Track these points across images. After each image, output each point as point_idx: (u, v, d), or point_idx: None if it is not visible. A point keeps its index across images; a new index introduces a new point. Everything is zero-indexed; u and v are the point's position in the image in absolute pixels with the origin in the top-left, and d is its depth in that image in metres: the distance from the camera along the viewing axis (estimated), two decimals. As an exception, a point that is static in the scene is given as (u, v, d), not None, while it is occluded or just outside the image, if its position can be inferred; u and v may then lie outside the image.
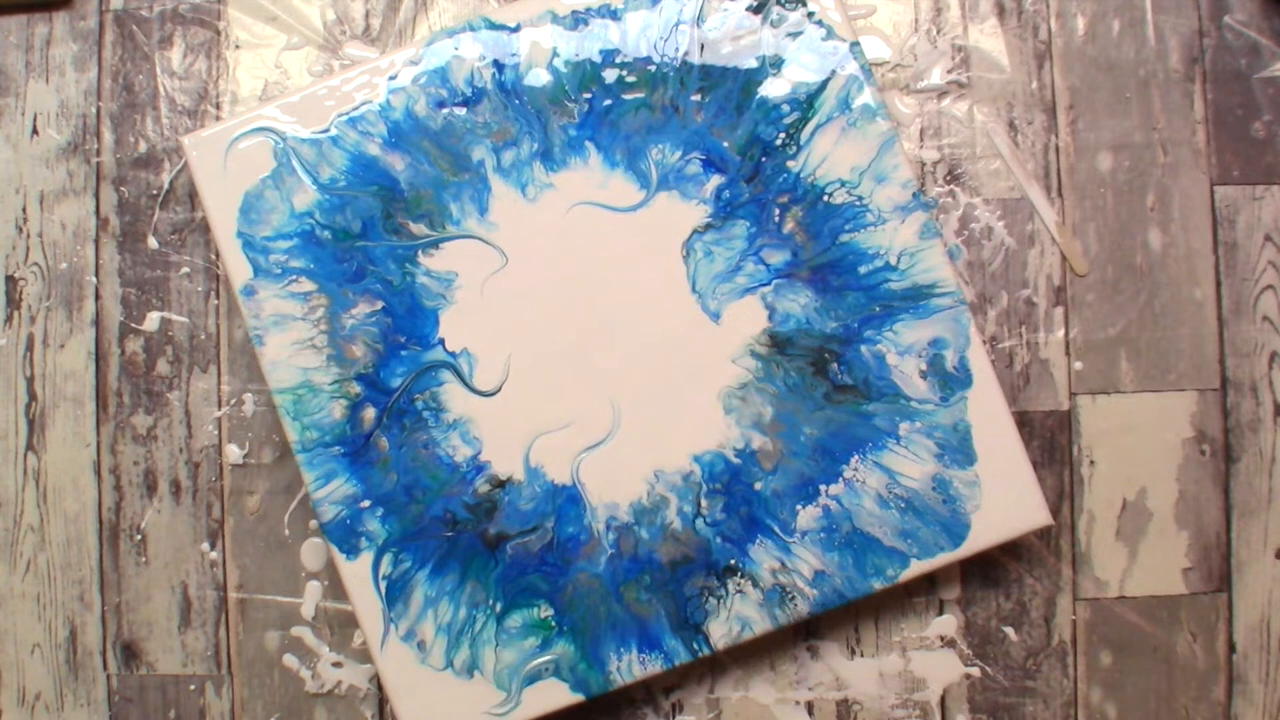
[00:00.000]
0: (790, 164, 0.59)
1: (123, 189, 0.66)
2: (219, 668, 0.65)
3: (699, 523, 0.59)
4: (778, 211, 0.59)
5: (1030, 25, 0.66)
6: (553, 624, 0.59)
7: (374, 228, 0.60)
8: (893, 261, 0.59)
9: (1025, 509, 0.58)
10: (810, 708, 0.63)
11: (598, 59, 0.60)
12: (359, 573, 0.59)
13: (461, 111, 0.60)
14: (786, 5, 0.59)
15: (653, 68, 0.59)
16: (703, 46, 0.59)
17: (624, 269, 0.59)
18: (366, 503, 0.59)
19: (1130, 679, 0.63)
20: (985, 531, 0.58)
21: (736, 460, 0.59)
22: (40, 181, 0.66)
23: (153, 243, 0.66)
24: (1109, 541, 0.64)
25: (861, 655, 0.63)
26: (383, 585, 0.59)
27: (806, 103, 0.59)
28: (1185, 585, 0.64)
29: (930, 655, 0.63)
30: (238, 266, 0.59)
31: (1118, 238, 0.65)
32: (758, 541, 0.59)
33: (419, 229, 0.59)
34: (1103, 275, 0.65)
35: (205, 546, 0.65)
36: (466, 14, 0.66)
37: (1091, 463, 0.64)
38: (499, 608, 0.59)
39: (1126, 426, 0.64)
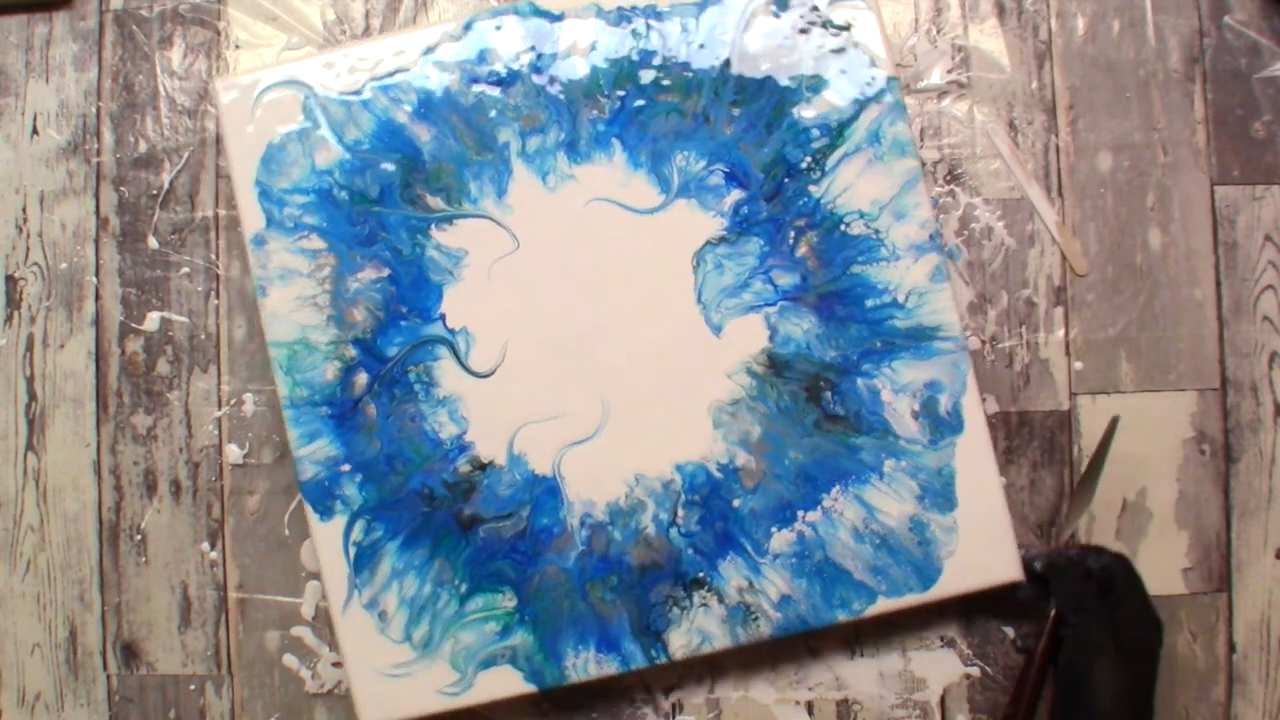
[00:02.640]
0: (812, 188, 0.59)
1: (123, 189, 0.66)
2: (219, 668, 0.65)
3: (673, 531, 0.59)
4: (793, 234, 0.59)
5: (1030, 25, 0.66)
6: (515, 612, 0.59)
7: (391, 195, 0.60)
8: (900, 299, 0.58)
9: (999, 562, 0.58)
10: (810, 708, 0.63)
11: (636, 58, 0.59)
12: (330, 535, 0.59)
13: (494, 92, 0.60)
14: (831, 29, 0.59)
15: (690, 74, 0.59)
16: (743, 59, 0.59)
17: (633, 270, 0.59)
18: (347, 467, 0.59)
19: (1130, 679, 0.63)
20: (956, 578, 0.58)
21: (719, 474, 0.59)
22: (40, 181, 0.66)
23: (153, 243, 0.66)
24: (1109, 541, 0.64)
25: (861, 655, 0.63)
26: (352, 551, 0.59)
27: (837, 130, 0.59)
28: (1185, 585, 0.63)
29: (930, 655, 0.63)
30: (251, 215, 0.59)
31: (1118, 238, 0.65)
32: (729, 558, 0.59)
33: (435, 202, 0.60)
34: (1103, 275, 0.65)
35: (205, 546, 0.65)
36: (466, 13, 0.66)
37: (1091, 463, 0.64)
38: (464, 589, 0.59)
39: (1126, 426, 0.64)
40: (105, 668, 0.65)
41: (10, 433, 0.66)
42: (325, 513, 0.59)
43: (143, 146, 0.66)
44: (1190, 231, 0.65)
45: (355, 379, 0.59)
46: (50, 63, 0.67)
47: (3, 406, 0.66)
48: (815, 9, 0.59)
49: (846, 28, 0.59)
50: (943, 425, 0.58)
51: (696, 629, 0.58)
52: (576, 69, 0.60)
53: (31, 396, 0.66)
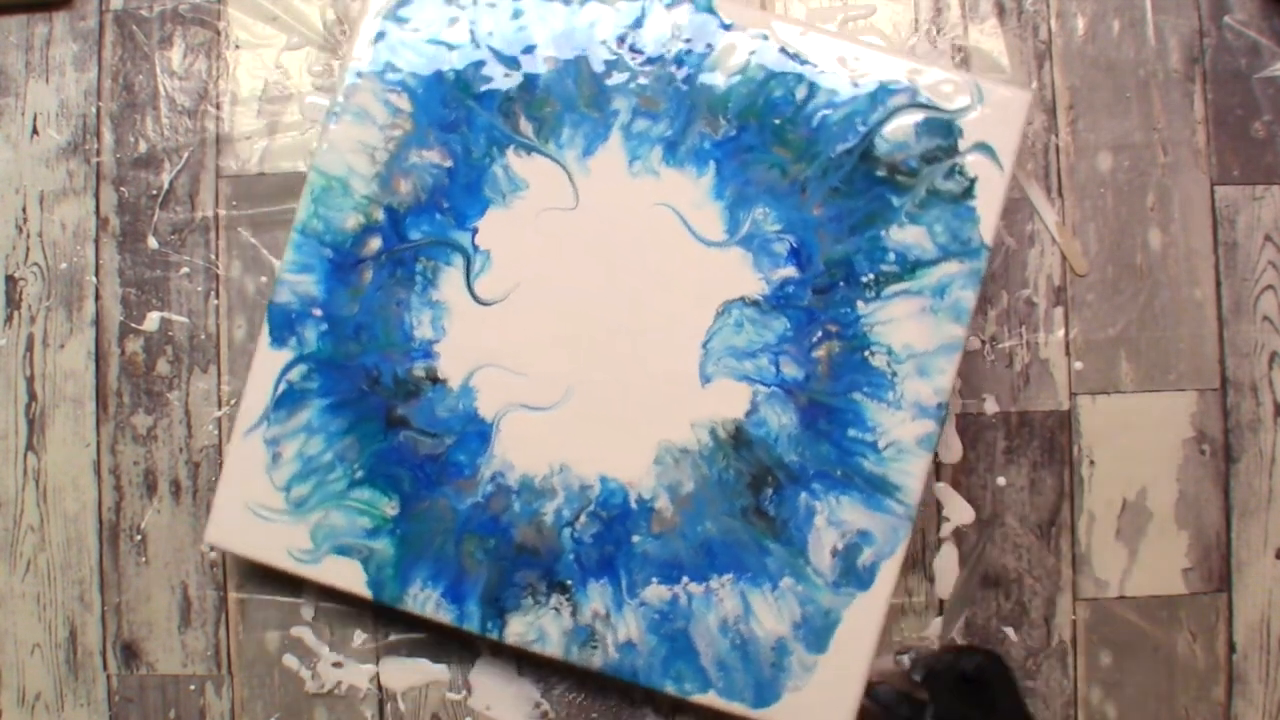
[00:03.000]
0: (860, 304, 0.58)
1: (123, 189, 0.66)
2: (219, 668, 0.65)
3: (566, 531, 0.59)
4: (820, 333, 0.58)
5: (1030, 25, 0.66)
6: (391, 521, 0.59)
7: (491, 100, 0.60)
8: (880, 445, 0.58)
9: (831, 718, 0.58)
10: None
11: (775, 100, 0.59)
12: (271, 362, 0.59)
13: (632, 60, 0.59)
14: (958, 174, 0.58)
15: (811, 141, 0.59)
16: (865, 155, 0.58)
17: (663, 286, 0.59)
18: (319, 312, 0.59)
19: (1130, 679, 0.63)
20: (789, 712, 0.57)
21: (634, 505, 0.59)
22: (40, 181, 0.66)
23: (153, 243, 0.66)
24: (1109, 541, 0.64)
25: (861, 655, 0.63)
26: (281, 386, 0.59)
27: (911, 266, 0.58)
28: (1185, 585, 0.63)
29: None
30: (362, 47, 0.60)
31: (1118, 238, 0.65)
32: (601, 582, 0.58)
33: (526, 128, 0.60)
34: (1103, 275, 0.65)
35: (205, 546, 0.65)
36: None
37: (1091, 463, 0.64)
38: (359, 475, 0.59)
39: (1126, 426, 0.64)
40: (105, 668, 0.65)
41: (10, 433, 0.66)
42: (278, 340, 0.59)
43: (143, 146, 0.66)
44: (1190, 231, 0.65)
45: (369, 241, 0.60)
46: (50, 63, 0.67)
47: (3, 406, 0.66)
48: (955, 145, 0.58)
49: (972, 180, 0.58)
50: (854, 575, 0.57)
51: (538, 626, 0.58)
52: (715, 80, 0.59)
53: (31, 396, 0.66)
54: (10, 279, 0.66)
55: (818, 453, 0.58)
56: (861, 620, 0.57)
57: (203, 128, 0.66)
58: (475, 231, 0.60)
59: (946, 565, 0.63)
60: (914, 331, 0.58)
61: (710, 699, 0.58)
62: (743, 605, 0.58)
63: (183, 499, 0.65)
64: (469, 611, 0.58)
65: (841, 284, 0.59)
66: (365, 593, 0.58)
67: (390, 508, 0.59)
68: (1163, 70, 0.65)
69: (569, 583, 0.58)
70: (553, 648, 0.58)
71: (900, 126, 0.58)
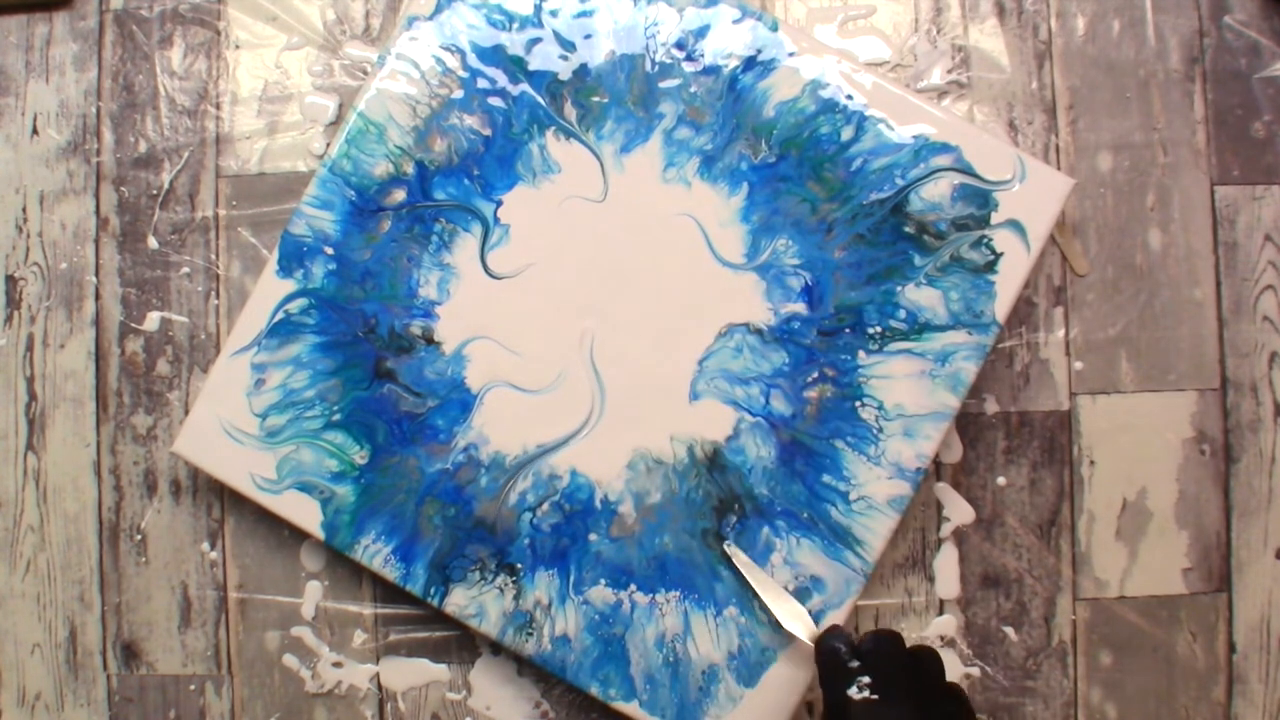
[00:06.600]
0: (862, 354, 0.58)
1: (123, 189, 0.66)
2: (219, 668, 0.65)
3: (527, 516, 0.59)
4: (815, 374, 0.58)
5: (1030, 25, 0.66)
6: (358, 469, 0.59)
7: (541, 79, 0.60)
8: (852, 497, 0.58)
9: None
10: (811, 707, 0.63)
11: (820, 136, 0.59)
12: (273, 290, 0.60)
13: (688, 67, 0.59)
14: (985, 246, 0.58)
15: (847, 184, 0.59)
16: (896, 209, 0.58)
17: (672, 296, 0.59)
18: (330, 250, 0.60)
19: (1130, 679, 0.63)
20: None
21: (599, 505, 0.59)
22: (40, 181, 0.66)
23: (153, 243, 0.66)
24: (1109, 541, 0.64)
25: (861, 655, 0.63)
26: (279, 315, 0.59)
27: (919, 328, 0.58)
28: (1185, 585, 0.64)
29: (930, 655, 0.63)
30: (424, 2, 0.60)
31: (1118, 238, 0.65)
32: (550, 573, 0.58)
33: (570, 113, 0.60)
34: (1103, 275, 0.65)
35: (205, 546, 0.65)
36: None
37: (1091, 463, 0.64)
38: (336, 418, 0.59)
39: (1126, 426, 0.64)
40: (105, 668, 0.65)
41: (10, 433, 0.66)
42: (285, 270, 0.60)
43: (143, 146, 0.66)
44: (1190, 231, 0.65)
45: (394, 192, 0.60)
46: (50, 63, 0.67)
47: (3, 406, 0.66)
48: (988, 217, 0.58)
49: (998, 255, 0.58)
50: None
51: (479, 602, 0.58)
52: (765, 104, 0.59)
53: (31, 396, 0.66)
54: (10, 279, 0.66)
55: (789, 491, 0.58)
56: (795, 664, 0.57)
57: (203, 128, 0.66)
58: (499, 204, 0.60)
59: (947, 565, 0.63)
60: (909, 392, 0.58)
61: (632, 709, 0.58)
62: (684, 625, 0.58)
63: (183, 499, 0.65)
64: (415, 573, 0.59)
65: (847, 330, 0.58)
66: (318, 533, 0.59)
67: (360, 456, 0.59)
68: (1163, 70, 0.65)
69: (519, 566, 0.59)
70: (489, 626, 0.58)
71: (938, 187, 0.58)
